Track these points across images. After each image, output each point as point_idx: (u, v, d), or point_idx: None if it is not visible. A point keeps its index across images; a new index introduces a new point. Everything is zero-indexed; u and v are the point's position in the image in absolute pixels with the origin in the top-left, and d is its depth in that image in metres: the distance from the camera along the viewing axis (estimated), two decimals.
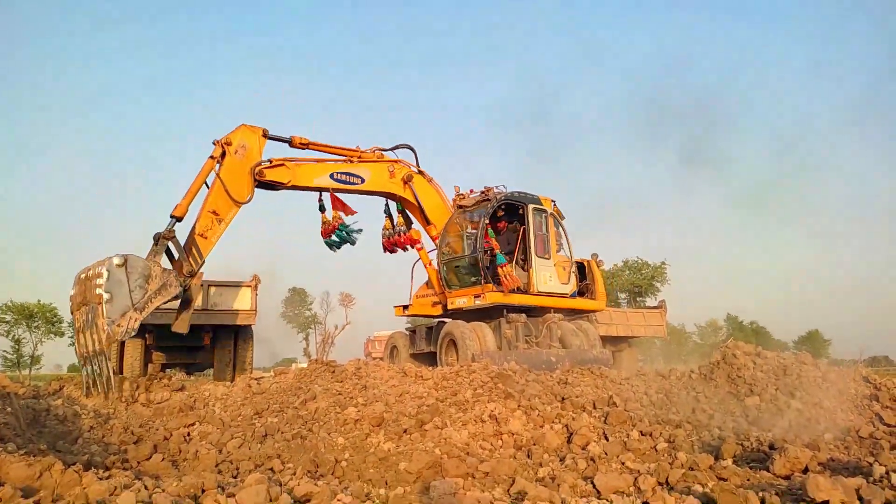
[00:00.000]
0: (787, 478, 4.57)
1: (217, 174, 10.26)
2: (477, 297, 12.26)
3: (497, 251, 12.15)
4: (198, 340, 13.72)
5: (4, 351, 44.02)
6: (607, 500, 3.87)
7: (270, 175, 10.97)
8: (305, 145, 11.80)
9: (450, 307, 13.09)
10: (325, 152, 12.24)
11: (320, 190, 12.02)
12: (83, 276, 8.51)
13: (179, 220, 9.65)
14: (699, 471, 4.86)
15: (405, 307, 14.84)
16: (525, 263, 12.88)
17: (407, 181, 12.93)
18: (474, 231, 12.81)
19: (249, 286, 14.06)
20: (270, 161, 10.98)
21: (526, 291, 12.54)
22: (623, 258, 54.10)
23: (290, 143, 11.59)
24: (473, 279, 12.67)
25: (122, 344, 13.63)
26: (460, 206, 13.50)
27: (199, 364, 14.73)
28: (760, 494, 3.72)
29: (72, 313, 8.86)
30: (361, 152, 12.56)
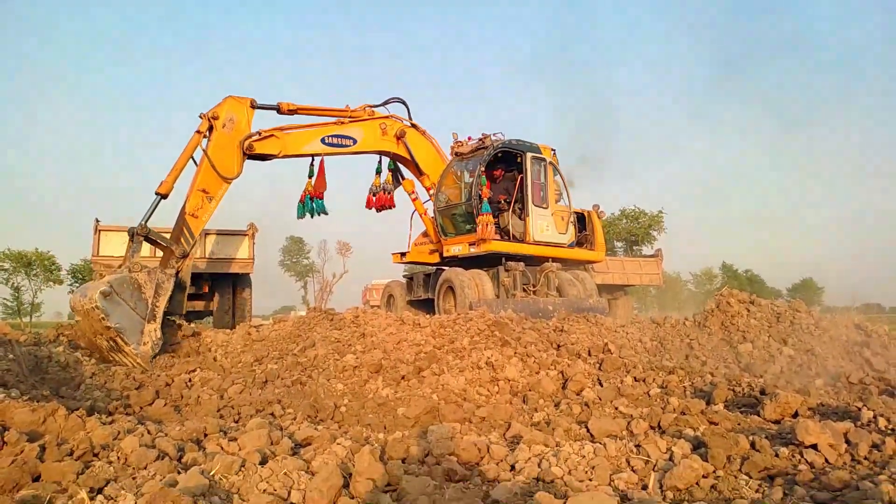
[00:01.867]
0: (777, 422, 4.67)
1: (204, 151, 9.80)
2: (472, 244, 12.26)
3: (485, 199, 12.06)
4: (197, 289, 13.77)
5: (4, 299, 44.25)
6: (601, 444, 3.96)
7: (260, 147, 10.54)
8: (293, 111, 11.36)
9: (445, 254, 13.10)
10: (314, 115, 11.85)
11: (312, 156, 11.76)
12: (81, 309, 8.14)
13: (164, 197, 9.29)
14: (691, 415, 4.95)
15: (403, 254, 14.86)
16: (522, 212, 12.84)
17: (400, 136, 12.71)
18: (471, 179, 12.70)
19: (247, 235, 14.04)
20: (259, 133, 10.51)
21: (523, 240, 12.54)
22: (620, 207, 53.98)
23: (278, 109, 11.15)
24: (469, 227, 12.63)
25: None
26: (457, 154, 13.35)
27: (198, 312, 14.84)
28: (750, 438, 3.80)
29: (87, 336, 8.61)
30: (351, 111, 12.21)
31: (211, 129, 9.94)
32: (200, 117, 9.98)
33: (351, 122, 12.14)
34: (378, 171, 13.35)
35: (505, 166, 13.50)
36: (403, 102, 13.10)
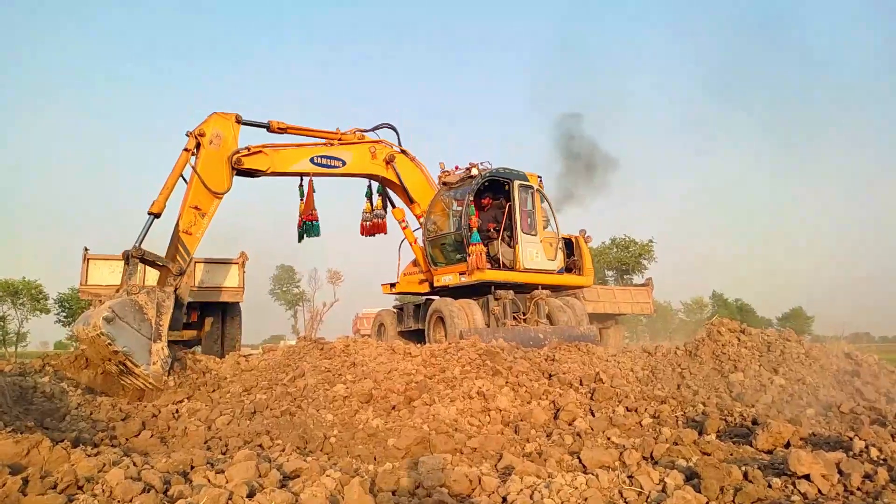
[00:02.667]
0: (769, 452, 4.65)
1: (193, 168, 9.86)
2: (462, 273, 12.26)
3: (474, 229, 12.11)
4: (186, 317, 13.65)
5: None
6: (593, 474, 3.93)
7: (249, 163, 10.59)
8: (283, 130, 11.45)
9: (436, 284, 13.09)
10: (304, 136, 11.92)
11: (301, 175, 11.75)
12: (86, 337, 8.13)
13: (157, 216, 9.33)
14: (683, 445, 4.93)
15: (392, 285, 14.83)
16: (511, 240, 12.88)
17: (389, 161, 12.77)
18: (459, 208, 12.75)
19: (237, 263, 13.99)
20: (248, 148, 10.59)
21: (512, 268, 12.56)
22: (611, 236, 54.30)
23: (268, 128, 11.27)
24: (459, 256, 12.65)
25: None
26: (444, 184, 13.43)
27: (187, 341, 14.70)
28: (743, 468, 3.79)
29: (96, 362, 8.61)
30: (342, 134, 12.28)
31: (199, 146, 10.01)
32: (187, 135, 10.02)
33: (340, 144, 12.21)
34: (368, 196, 13.39)
35: (492, 194, 13.56)
36: (394, 128, 13.21)
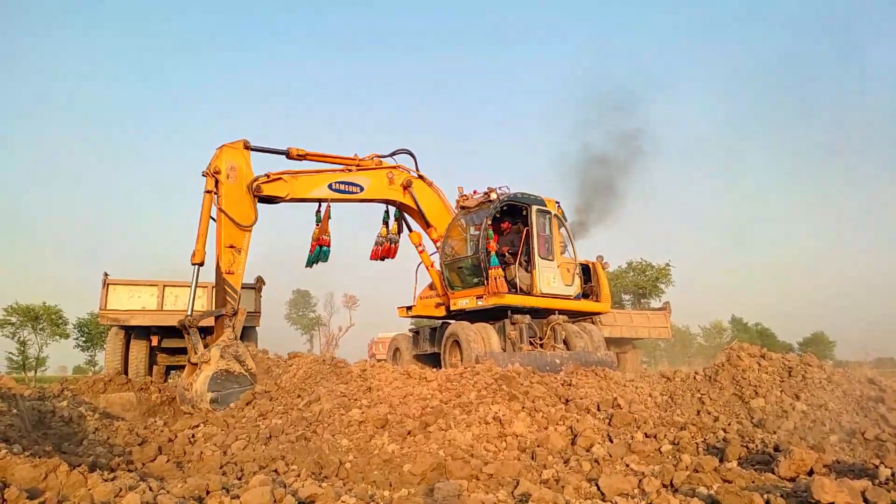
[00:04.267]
0: (792, 480, 4.56)
1: (220, 209, 10.11)
2: (479, 297, 12.25)
3: (493, 253, 12.13)
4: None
5: (10, 353, 44.16)
6: (611, 502, 3.87)
7: (268, 189, 10.80)
8: (303, 156, 11.62)
9: (452, 308, 13.08)
10: (322, 162, 12.07)
11: (319, 201, 11.87)
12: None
13: (201, 265, 9.71)
14: (704, 473, 4.84)
15: (409, 308, 14.84)
16: (528, 265, 12.86)
17: (406, 186, 12.91)
18: (477, 232, 12.79)
19: (253, 288, 14.08)
20: (268, 175, 10.80)
21: (529, 293, 12.53)
22: (627, 260, 54.01)
23: (287, 154, 11.44)
24: (476, 280, 12.66)
25: (127, 345, 13.71)
26: (463, 207, 13.49)
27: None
28: (765, 496, 3.71)
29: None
30: (360, 160, 12.46)
31: (217, 183, 10.19)
32: (203, 175, 10.22)
33: (358, 170, 12.35)
34: (385, 221, 13.47)
35: (511, 219, 13.61)
36: (411, 154, 13.34)
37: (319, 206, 11.97)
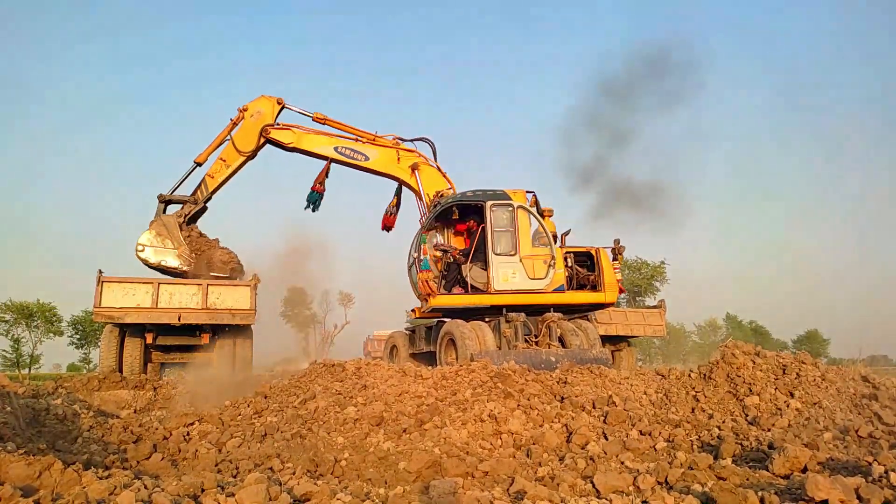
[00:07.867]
0: (786, 477, 4.57)
1: (230, 135, 12.71)
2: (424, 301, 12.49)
3: (424, 257, 12.32)
4: (197, 340, 13.72)
5: (4, 350, 43.96)
6: (607, 500, 3.87)
7: (275, 134, 12.94)
8: (324, 121, 13.30)
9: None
10: (342, 130, 13.40)
11: (322, 158, 13.24)
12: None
13: (200, 164, 12.84)
14: (698, 470, 4.86)
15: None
16: (485, 262, 12.67)
17: (414, 168, 13.17)
18: (417, 238, 13.08)
19: (248, 286, 14.03)
20: (280, 123, 12.91)
21: (485, 291, 12.44)
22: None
23: (312, 118, 13.24)
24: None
25: (122, 343, 13.65)
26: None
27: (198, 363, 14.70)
28: (759, 494, 3.72)
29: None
30: (378, 137, 13.39)
31: (241, 118, 13.06)
32: (238, 109, 12.90)
33: (373, 144, 13.39)
34: (397, 194, 14.26)
35: (478, 218, 13.17)
36: (431, 144, 13.69)
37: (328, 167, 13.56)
